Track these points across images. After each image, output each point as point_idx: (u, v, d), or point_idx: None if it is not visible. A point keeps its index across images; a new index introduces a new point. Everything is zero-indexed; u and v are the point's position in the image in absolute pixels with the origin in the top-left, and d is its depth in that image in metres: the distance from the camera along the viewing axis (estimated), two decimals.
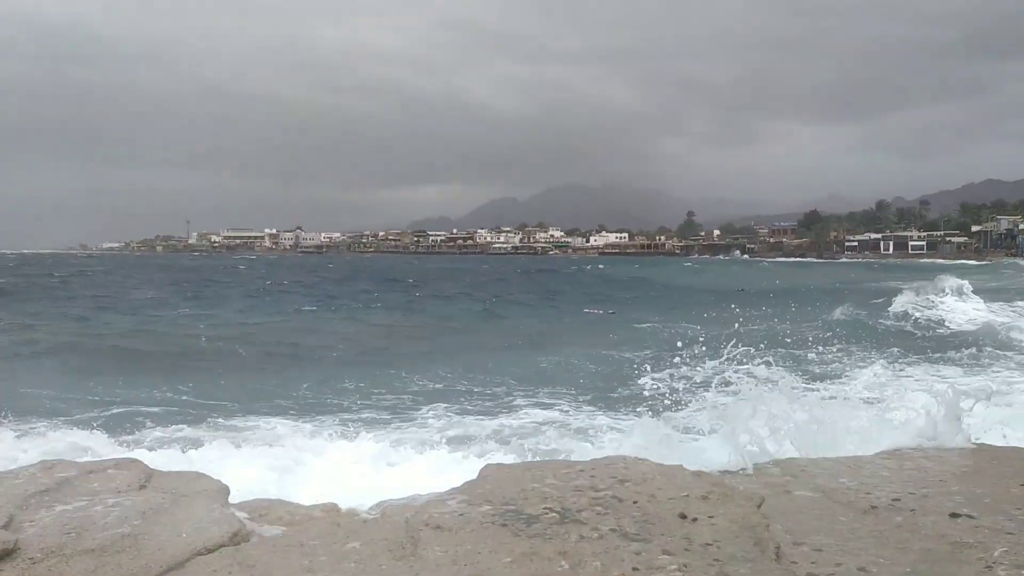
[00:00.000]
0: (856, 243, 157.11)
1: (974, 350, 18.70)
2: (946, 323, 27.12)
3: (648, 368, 10.06)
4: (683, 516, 4.03)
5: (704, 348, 8.03)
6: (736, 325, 12.98)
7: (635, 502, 4.25)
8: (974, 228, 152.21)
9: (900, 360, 17.90)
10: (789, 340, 17.60)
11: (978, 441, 6.40)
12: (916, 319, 27.20)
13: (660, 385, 8.35)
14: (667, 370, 9.11)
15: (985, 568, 3.68)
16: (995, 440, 6.84)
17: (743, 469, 5.51)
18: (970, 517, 4.39)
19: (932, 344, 21.58)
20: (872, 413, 6.74)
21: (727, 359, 7.30)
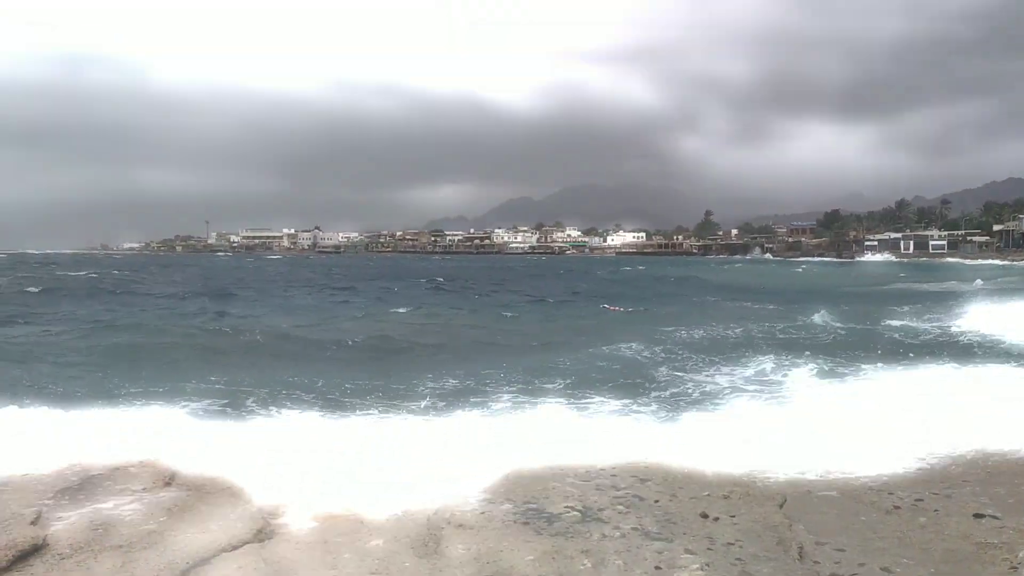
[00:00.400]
0: (876, 243, 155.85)
1: None
2: None
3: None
4: (705, 516, 4.03)
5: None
6: None
7: (656, 501, 4.26)
8: (996, 227, 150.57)
9: None
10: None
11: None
12: None
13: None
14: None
15: (1010, 569, 3.65)
16: None
17: (764, 470, 5.49)
18: (994, 518, 4.36)
19: None
20: None
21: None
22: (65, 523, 4.04)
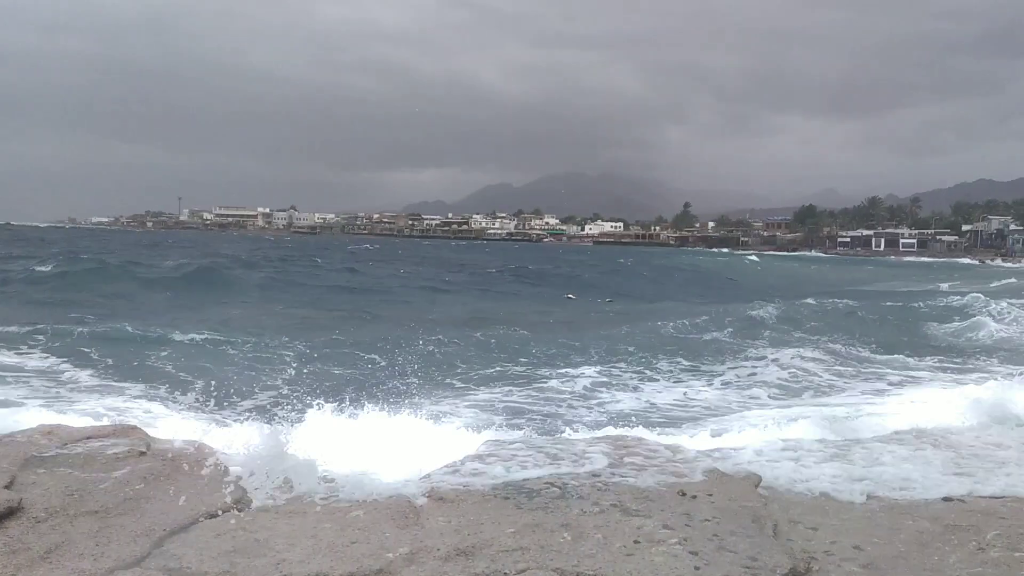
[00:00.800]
0: (848, 239, 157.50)
1: None
2: None
3: None
4: (683, 493, 4.08)
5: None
6: None
7: (636, 478, 4.30)
8: (964, 227, 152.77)
9: None
10: None
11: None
12: None
13: None
14: None
15: (978, 550, 3.74)
16: None
17: (742, 449, 5.56)
18: (961, 501, 4.46)
19: None
20: None
21: None
22: (40, 488, 4.00)
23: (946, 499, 4.51)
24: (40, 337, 13.06)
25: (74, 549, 3.48)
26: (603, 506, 3.91)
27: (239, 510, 3.97)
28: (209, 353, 13.02)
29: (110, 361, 11.56)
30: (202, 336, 14.46)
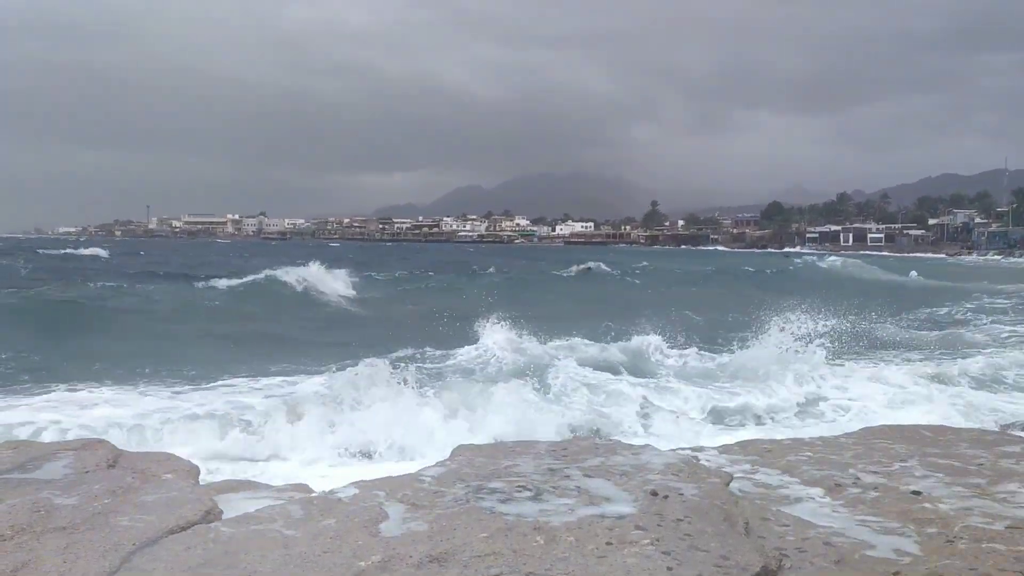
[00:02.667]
0: (816, 235, 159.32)
1: None
2: None
3: None
4: (654, 493, 4.10)
5: None
6: None
7: (608, 480, 4.32)
8: (931, 221, 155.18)
9: None
10: None
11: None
12: None
13: None
14: None
15: (947, 543, 3.79)
16: None
17: (713, 448, 5.61)
18: (932, 495, 4.53)
19: None
20: None
21: None
22: (6, 505, 3.93)
23: (915, 492, 4.57)
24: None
25: (41, 567, 3.42)
26: (575, 508, 3.92)
27: (208, 522, 3.93)
28: None
29: None
30: None
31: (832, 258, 79.70)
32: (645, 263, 62.60)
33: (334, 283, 34.42)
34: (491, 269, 56.60)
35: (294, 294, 31.92)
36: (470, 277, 47.68)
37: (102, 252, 72.13)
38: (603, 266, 59.13)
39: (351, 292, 34.28)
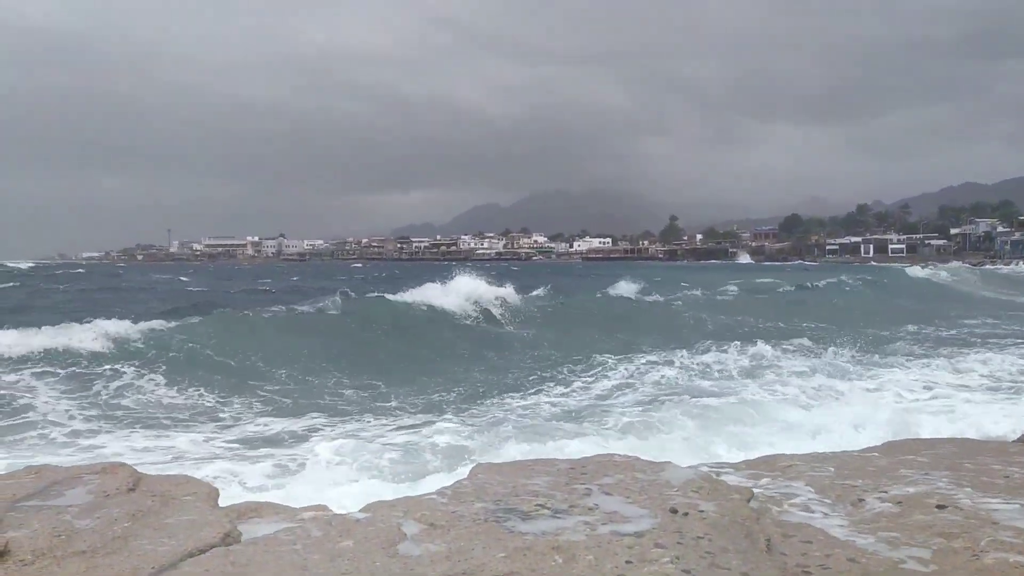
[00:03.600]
0: (837, 247, 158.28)
1: None
2: None
3: None
4: (674, 511, 4.06)
5: None
6: None
7: (627, 497, 4.28)
8: (952, 231, 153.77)
9: None
10: None
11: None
12: None
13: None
14: None
15: (972, 557, 3.73)
16: None
17: (732, 464, 5.55)
18: (958, 508, 4.45)
19: None
20: None
21: None
22: (27, 529, 3.96)
23: (940, 506, 4.50)
24: None
25: None
26: (594, 527, 3.89)
27: (227, 545, 3.93)
28: None
29: None
30: None
31: (915, 268, 78.18)
32: (732, 287, 49.29)
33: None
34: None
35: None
36: (587, 294, 43.92)
37: (183, 277, 75.12)
38: (695, 291, 46.00)
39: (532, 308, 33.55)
